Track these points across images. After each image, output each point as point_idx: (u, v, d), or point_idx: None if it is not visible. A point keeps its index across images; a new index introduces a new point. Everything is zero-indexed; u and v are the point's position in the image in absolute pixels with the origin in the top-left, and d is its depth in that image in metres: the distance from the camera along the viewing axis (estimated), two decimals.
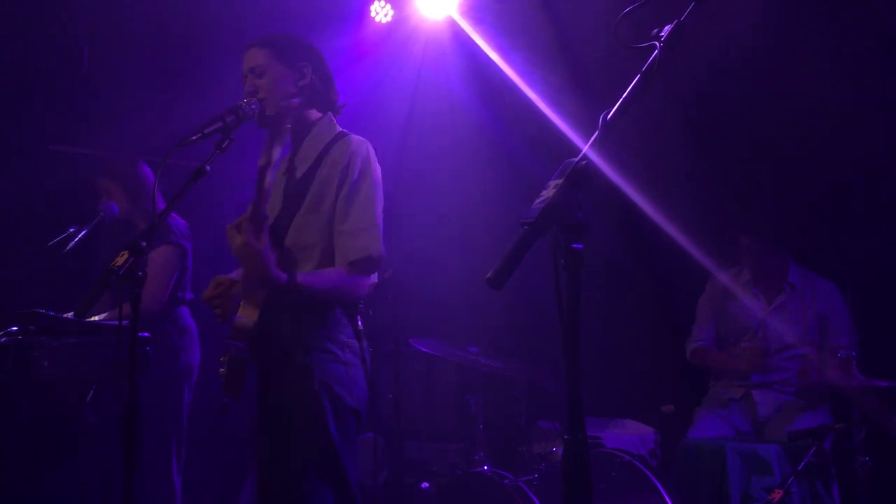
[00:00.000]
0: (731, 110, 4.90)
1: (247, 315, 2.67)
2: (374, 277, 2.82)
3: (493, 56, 5.22)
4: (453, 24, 5.35)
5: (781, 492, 3.46)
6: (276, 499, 2.67)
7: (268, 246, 2.59)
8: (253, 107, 2.75)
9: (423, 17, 5.42)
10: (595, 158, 1.74)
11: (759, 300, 4.47)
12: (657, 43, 1.78)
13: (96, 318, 3.84)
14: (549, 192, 1.72)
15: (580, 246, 1.72)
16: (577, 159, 1.73)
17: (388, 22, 5.42)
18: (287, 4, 4.85)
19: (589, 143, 1.75)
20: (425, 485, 4.41)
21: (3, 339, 3.19)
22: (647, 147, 4.61)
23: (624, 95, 1.76)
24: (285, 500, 2.64)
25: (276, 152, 2.66)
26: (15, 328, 3.25)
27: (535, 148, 5.15)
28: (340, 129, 2.93)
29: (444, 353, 4.31)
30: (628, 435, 4.35)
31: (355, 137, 2.85)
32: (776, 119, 4.71)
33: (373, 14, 5.40)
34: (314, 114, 2.91)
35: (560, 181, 1.72)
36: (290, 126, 2.78)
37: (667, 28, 1.79)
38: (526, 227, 1.70)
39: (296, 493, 2.62)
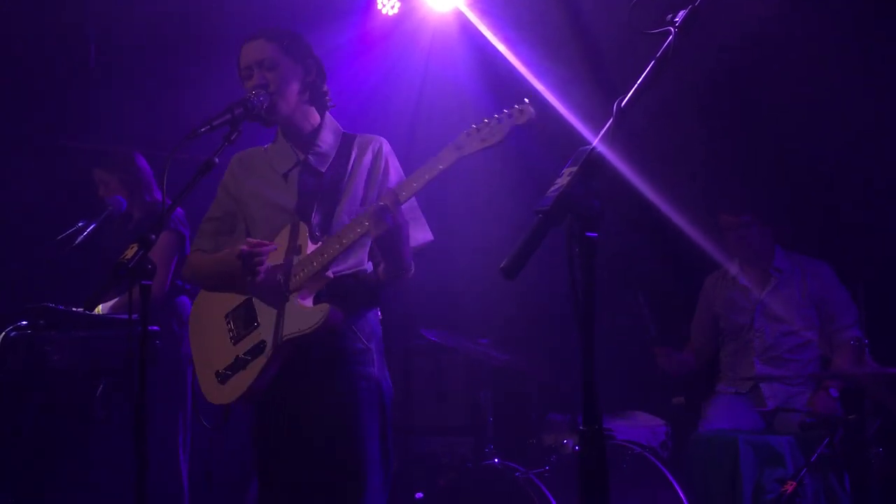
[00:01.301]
0: (747, 99, 4.87)
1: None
2: None
3: (501, 48, 5.19)
4: (460, 16, 5.32)
5: (794, 483, 3.43)
6: (340, 478, 2.67)
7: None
8: (261, 99, 2.74)
9: (430, 9, 5.40)
10: (609, 146, 1.72)
11: (750, 290, 4.44)
12: (672, 28, 1.76)
13: (103, 305, 3.85)
14: (563, 181, 1.70)
15: (595, 234, 1.70)
16: (591, 147, 1.71)
17: (394, 14, 5.39)
18: None
19: (603, 131, 1.73)
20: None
21: (14, 334, 3.21)
22: (661, 137, 4.58)
23: (638, 82, 1.74)
24: (349, 479, 2.65)
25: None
26: (25, 322, 3.25)
27: (544, 140, 5.12)
28: (343, 129, 2.98)
29: (454, 343, 4.30)
30: (639, 427, 4.33)
31: (373, 136, 2.92)
32: (792, 110, 4.65)
33: (379, 6, 5.38)
34: (314, 111, 2.93)
35: (574, 169, 1.70)
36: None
37: (681, 13, 1.78)
38: (540, 215, 1.68)
39: (361, 473, 2.64)
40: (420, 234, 2.84)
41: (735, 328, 4.45)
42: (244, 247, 2.67)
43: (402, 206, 2.61)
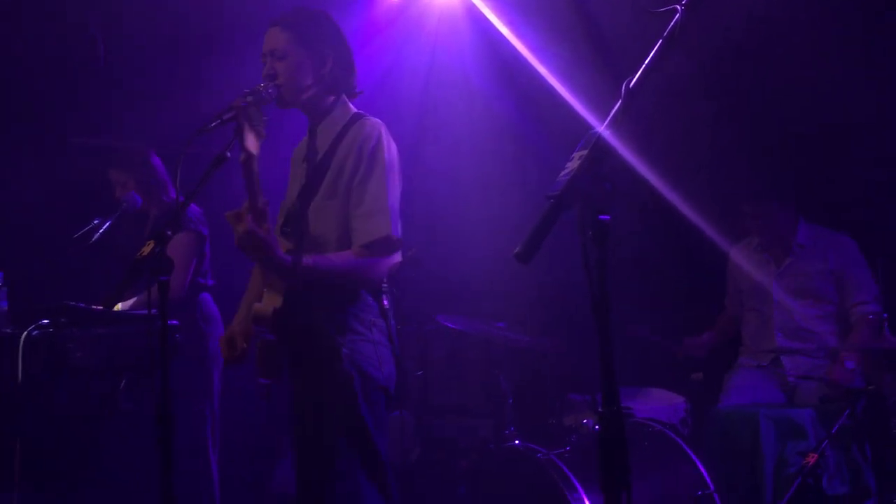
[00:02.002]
0: (755, 83, 4.84)
1: (270, 301, 2.68)
2: (397, 257, 2.79)
3: (506, 32, 5.17)
4: (465, 1, 5.31)
5: (816, 455, 3.44)
6: (312, 477, 2.70)
7: (270, 233, 2.56)
8: (270, 90, 2.72)
9: None
10: (618, 128, 1.72)
11: (769, 264, 4.44)
12: (678, 6, 1.75)
13: (122, 305, 3.89)
14: (574, 164, 1.70)
15: (607, 217, 1.71)
16: (601, 129, 1.72)
17: (399, 1, 5.38)
18: None
19: (613, 113, 1.73)
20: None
21: (36, 333, 3.23)
22: (668, 118, 4.56)
23: (646, 61, 1.74)
24: (321, 478, 2.67)
25: (252, 143, 2.61)
26: (46, 321, 3.29)
27: (552, 124, 5.11)
28: (356, 111, 2.88)
29: (471, 328, 4.31)
30: (659, 404, 4.34)
31: (369, 120, 2.80)
32: (801, 92, 4.61)
33: None
34: (330, 98, 2.86)
35: (585, 152, 1.70)
36: (266, 118, 2.71)
37: None
38: (552, 200, 1.69)
39: (330, 471, 2.64)
40: (375, 226, 2.69)
41: (756, 301, 4.46)
42: None
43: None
